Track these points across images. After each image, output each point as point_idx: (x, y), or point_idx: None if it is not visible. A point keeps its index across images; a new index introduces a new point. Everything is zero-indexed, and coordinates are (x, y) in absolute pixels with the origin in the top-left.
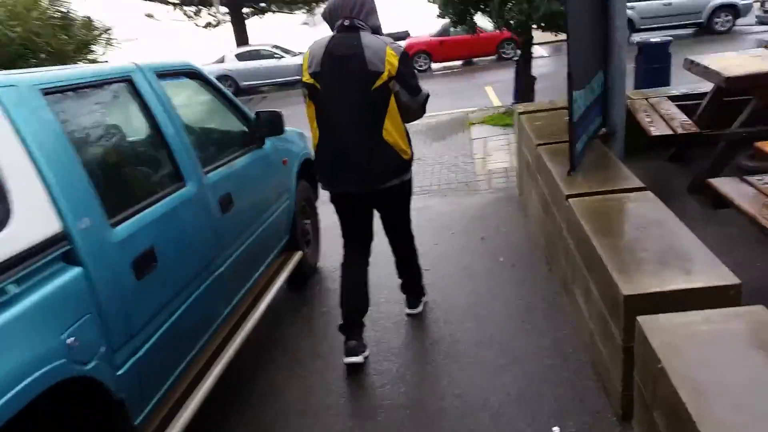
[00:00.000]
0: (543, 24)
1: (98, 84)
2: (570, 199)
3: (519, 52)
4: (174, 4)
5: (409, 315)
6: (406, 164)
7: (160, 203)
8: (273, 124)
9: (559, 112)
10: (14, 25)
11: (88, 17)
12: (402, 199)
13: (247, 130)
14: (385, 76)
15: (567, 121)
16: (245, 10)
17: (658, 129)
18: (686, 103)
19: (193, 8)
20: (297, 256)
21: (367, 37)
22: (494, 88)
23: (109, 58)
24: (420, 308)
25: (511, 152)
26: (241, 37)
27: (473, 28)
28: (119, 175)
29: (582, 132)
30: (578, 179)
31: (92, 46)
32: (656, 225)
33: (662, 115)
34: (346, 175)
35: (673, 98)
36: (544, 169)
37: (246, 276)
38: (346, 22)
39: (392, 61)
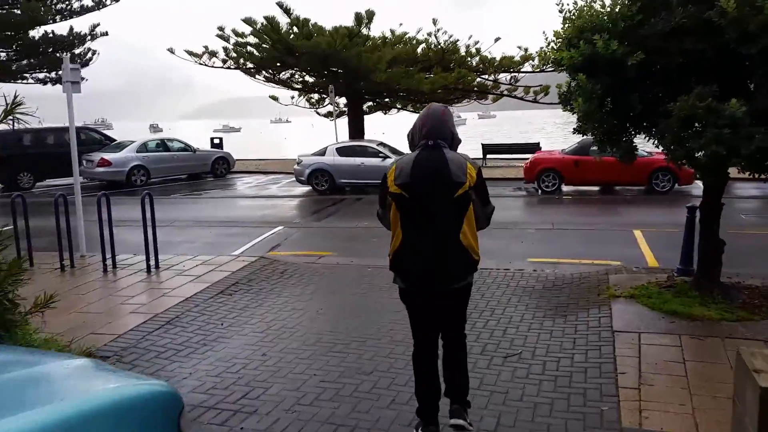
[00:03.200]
0: (752, 162)
1: None
2: None
3: (678, 187)
4: (298, 90)
5: (454, 427)
6: (476, 264)
7: None
8: None
9: None
10: None
11: None
12: (466, 297)
13: None
14: (466, 186)
15: None
16: (368, 104)
17: None
18: None
19: (316, 96)
20: None
21: (449, 153)
22: (646, 235)
23: None
24: (464, 421)
25: (696, 391)
26: (357, 130)
27: (631, 154)
28: None
29: None
30: None
31: None
32: None
33: None
34: (428, 273)
35: None
36: None
37: None
38: (431, 143)
39: (472, 173)
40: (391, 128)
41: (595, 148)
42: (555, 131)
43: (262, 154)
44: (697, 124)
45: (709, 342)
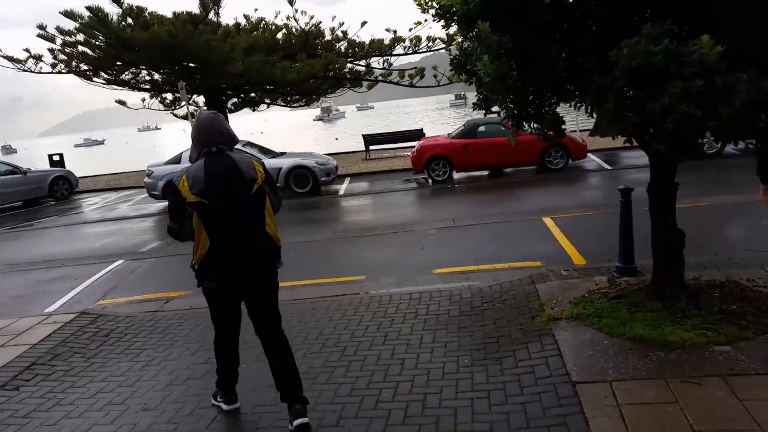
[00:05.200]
0: (737, 124)
1: None
2: None
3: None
4: (147, 90)
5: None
6: (279, 250)
7: None
8: None
9: None
10: None
11: None
12: (276, 280)
13: None
14: (259, 181)
15: None
16: (233, 101)
17: None
18: None
19: (170, 96)
20: None
21: (234, 155)
22: (558, 222)
23: None
24: (306, 419)
25: None
26: None
27: (558, 127)
28: None
29: None
30: None
31: None
32: None
33: None
34: (244, 268)
35: None
36: None
37: None
38: (214, 149)
39: (260, 169)
40: (270, 127)
41: (481, 128)
42: (436, 116)
43: (121, 167)
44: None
45: (710, 386)
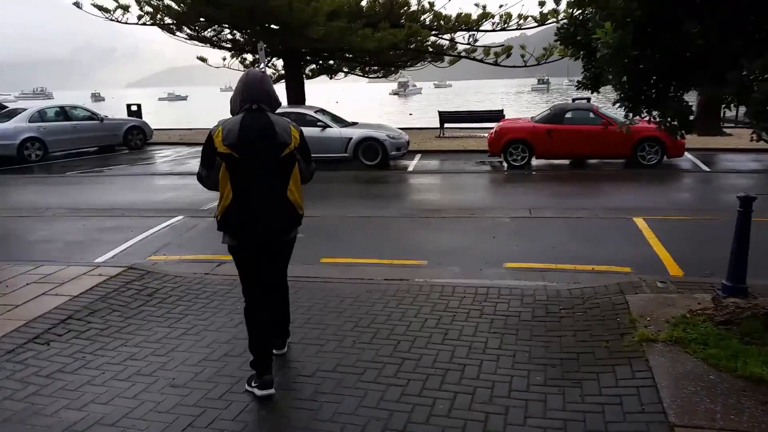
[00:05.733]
0: None
1: None
2: None
3: None
4: (228, 49)
5: (275, 355)
6: (300, 219)
7: None
8: None
9: None
10: None
11: None
12: (291, 248)
13: None
14: (291, 147)
15: None
16: (311, 67)
17: None
18: None
19: (249, 57)
20: None
21: (273, 116)
22: (651, 224)
23: None
24: (286, 348)
25: None
26: (297, 95)
27: (686, 118)
28: None
29: None
30: None
31: None
32: None
33: None
34: (258, 227)
35: None
36: None
37: None
38: (254, 106)
39: (296, 135)
40: (345, 97)
41: (569, 114)
42: (515, 100)
43: (200, 123)
44: None
45: None
